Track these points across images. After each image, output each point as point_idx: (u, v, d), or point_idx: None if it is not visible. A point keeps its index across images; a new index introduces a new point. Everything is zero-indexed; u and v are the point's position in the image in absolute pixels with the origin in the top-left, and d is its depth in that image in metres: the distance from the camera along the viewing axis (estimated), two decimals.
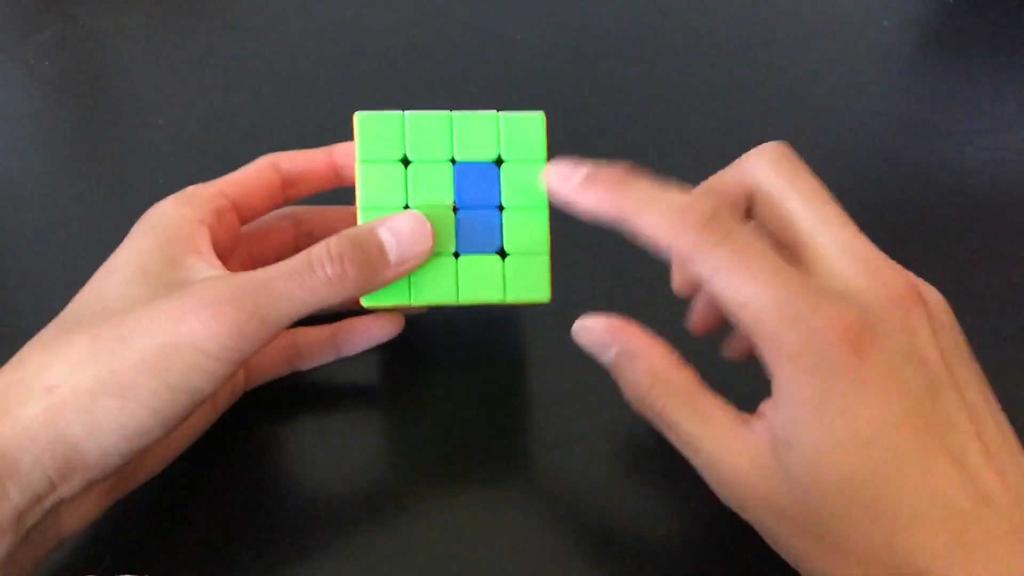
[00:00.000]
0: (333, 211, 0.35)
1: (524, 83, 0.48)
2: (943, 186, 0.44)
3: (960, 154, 0.46)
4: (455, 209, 0.29)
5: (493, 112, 0.29)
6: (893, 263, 0.26)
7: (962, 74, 0.51)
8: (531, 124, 0.30)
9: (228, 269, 0.29)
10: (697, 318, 0.32)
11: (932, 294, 0.26)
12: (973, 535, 0.22)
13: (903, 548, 0.23)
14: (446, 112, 0.29)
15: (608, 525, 0.31)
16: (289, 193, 0.33)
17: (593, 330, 0.28)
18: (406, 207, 0.29)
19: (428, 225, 0.28)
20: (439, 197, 0.29)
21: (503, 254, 0.30)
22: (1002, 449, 0.24)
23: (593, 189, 0.27)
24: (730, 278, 0.25)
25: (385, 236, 0.27)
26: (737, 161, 0.28)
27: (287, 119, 0.45)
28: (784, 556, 0.26)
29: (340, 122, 0.44)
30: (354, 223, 0.34)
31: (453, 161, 0.29)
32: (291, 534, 0.30)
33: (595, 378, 0.35)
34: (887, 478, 0.23)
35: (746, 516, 0.26)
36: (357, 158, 0.29)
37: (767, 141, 0.28)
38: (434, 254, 0.29)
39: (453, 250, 0.29)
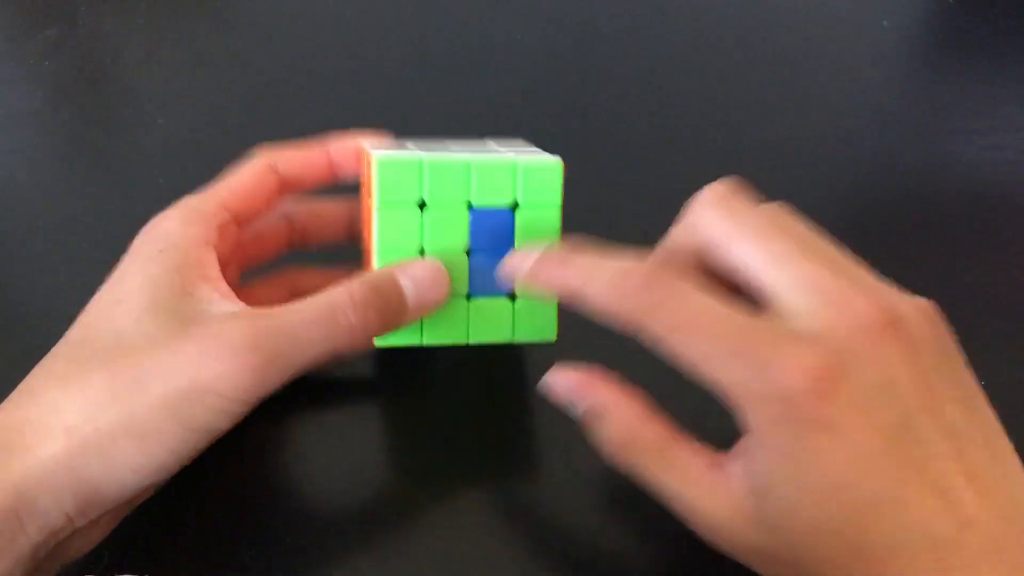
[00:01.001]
0: (324, 208, 0.35)
1: (524, 82, 0.48)
2: (943, 186, 0.44)
3: (960, 154, 0.46)
4: (468, 252, 0.29)
5: (512, 159, 0.29)
6: (858, 289, 0.24)
7: (962, 74, 0.51)
8: (548, 172, 0.29)
9: (226, 275, 0.29)
10: None
11: (910, 310, 0.24)
12: (954, 561, 0.22)
13: None
14: (465, 157, 0.29)
15: (612, 526, 0.31)
16: (284, 192, 0.33)
17: (560, 387, 0.28)
18: (421, 250, 0.29)
19: (445, 273, 0.28)
20: (454, 241, 0.29)
21: (513, 296, 0.30)
22: (986, 465, 0.23)
23: (543, 270, 0.27)
24: (680, 337, 0.24)
25: (405, 283, 0.28)
26: (681, 215, 0.27)
27: (287, 119, 0.45)
28: None
29: (340, 121, 0.45)
30: (344, 217, 0.34)
31: (469, 205, 0.29)
32: (292, 534, 0.30)
33: None
34: (864, 519, 0.23)
35: (734, 558, 0.26)
36: (375, 202, 0.29)
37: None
38: None
39: (465, 292, 0.30)
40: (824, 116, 0.47)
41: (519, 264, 0.28)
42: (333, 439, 0.33)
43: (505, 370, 0.35)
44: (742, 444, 0.25)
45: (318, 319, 0.26)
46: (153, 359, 0.25)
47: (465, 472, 0.32)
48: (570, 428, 0.33)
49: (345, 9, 0.51)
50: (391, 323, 0.28)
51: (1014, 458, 0.24)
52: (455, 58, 0.49)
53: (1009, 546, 0.22)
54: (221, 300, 0.27)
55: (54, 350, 0.27)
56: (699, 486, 0.25)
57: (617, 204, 0.41)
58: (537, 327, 0.30)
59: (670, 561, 0.30)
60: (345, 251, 0.34)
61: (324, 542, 0.30)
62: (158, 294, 0.27)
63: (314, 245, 0.35)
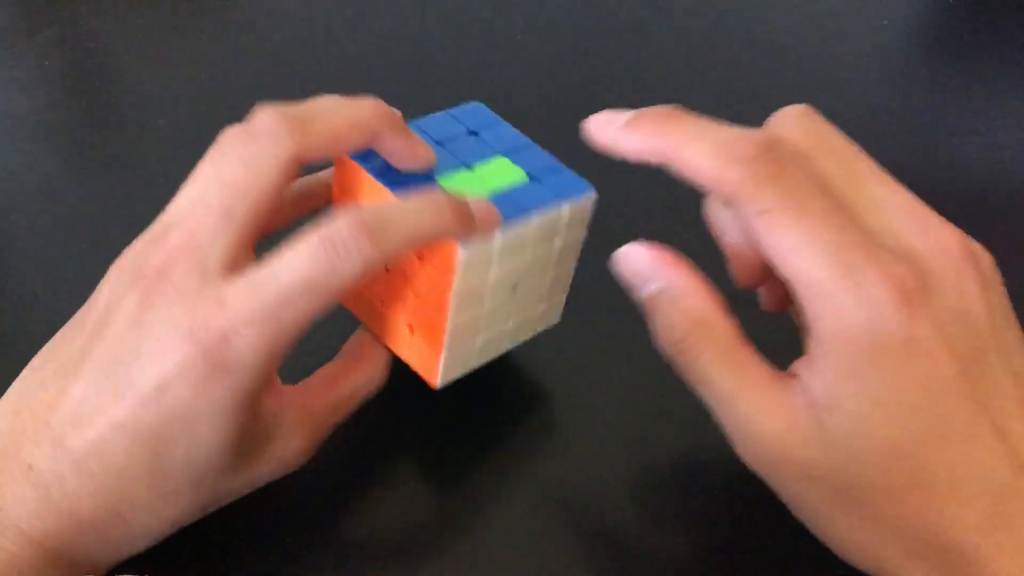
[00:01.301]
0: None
1: (524, 82, 0.48)
2: (943, 186, 0.44)
3: (960, 154, 0.46)
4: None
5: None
6: (941, 218, 0.24)
7: (962, 74, 0.51)
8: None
9: None
10: (768, 294, 0.30)
11: (983, 253, 0.24)
12: (1009, 507, 0.22)
13: (936, 519, 0.22)
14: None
15: (609, 526, 0.31)
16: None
17: (636, 259, 0.26)
18: None
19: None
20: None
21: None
22: None
23: (638, 127, 0.25)
24: (779, 220, 0.23)
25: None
26: (761, 128, 0.26)
27: None
28: (806, 522, 0.25)
29: None
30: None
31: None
32: (292, 534, 0.30)
33: (597, 376, 0.35)
34: (931, 446, 0.22)
35: (772, 479, 0.25)
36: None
37: None
38: None
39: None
40: (824, 115, 0.47)
41: (609, 120, 0.26)
42: (333, 438, 0.33)
43: (505, 369, 0.35)
44: (808, 358, 0.24)
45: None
46: (232, 485, 0.27)
47: (466, 471, 0.32)
48: (570, 426, 0.33)
49: (345, 9, 0.51)
50: None
51: None
52: (456, 58, 0.49)
53: None
54: (283, 411, 0.28)
55: (126, 464, 0.25)
56: (760, 393, 0.24)
57: (617, 204, 0.41)
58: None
59: (670, 561, 0.30)
60: None
61: (324, 542, 0.30)
62: (239, 434, 0.26)
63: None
